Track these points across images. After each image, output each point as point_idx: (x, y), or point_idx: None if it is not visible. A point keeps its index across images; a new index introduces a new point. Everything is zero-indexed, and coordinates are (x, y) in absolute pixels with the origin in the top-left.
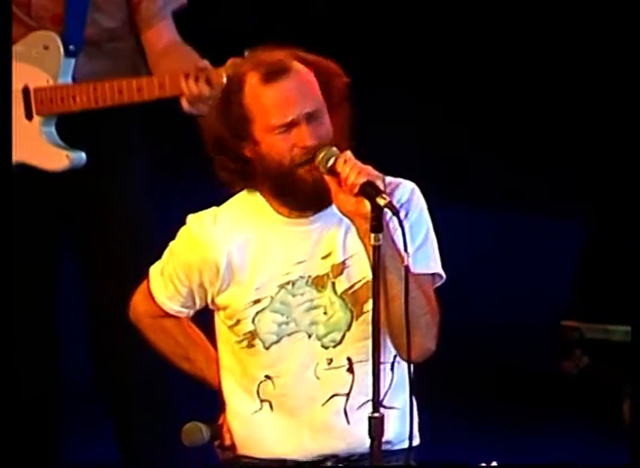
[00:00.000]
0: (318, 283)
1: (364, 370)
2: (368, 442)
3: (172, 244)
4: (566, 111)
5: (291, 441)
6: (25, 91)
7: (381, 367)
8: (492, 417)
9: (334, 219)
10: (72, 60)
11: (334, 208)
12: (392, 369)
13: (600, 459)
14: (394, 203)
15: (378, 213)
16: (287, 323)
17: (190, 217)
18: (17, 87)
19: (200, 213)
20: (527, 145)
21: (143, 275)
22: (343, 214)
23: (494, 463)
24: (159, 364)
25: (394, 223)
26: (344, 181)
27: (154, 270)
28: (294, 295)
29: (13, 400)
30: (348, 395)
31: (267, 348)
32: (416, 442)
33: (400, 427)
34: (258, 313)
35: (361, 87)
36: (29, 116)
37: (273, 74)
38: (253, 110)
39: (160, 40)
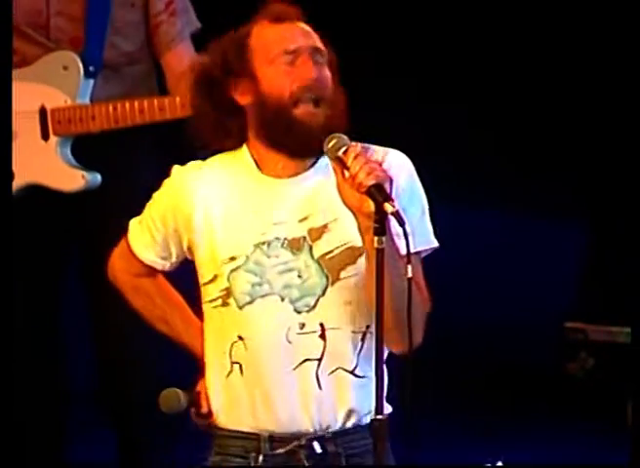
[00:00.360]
0: (293, 245)
1: (336, 338)
2: (340, 411)
3: (154, 194)
4: (567, 111)
5: (262, 407)
6: (42, 111)
7: (353, 335)
8: (496, 419)
9: (316, 183)
10: (91, 81)
11: (315, 171)
12: (363, 339)
13: (605, 461)
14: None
15: (382, 216)
16: (260, 284)
17: (175, 167)
18: (33, 107)
19: (187, 164)
20: (528, 146)
21: None
22: (345, 205)
23: (499, 463)
24: (162, 376)
25: (394, 222)
26: (352, 178)
27: (133, 221)
28: (268, 256)
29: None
30: (320, 360)
31: (241, 308)
32: (387, 411)
33: (370, 398)
34: (232, 271)
35: (361, 87)
36: (45, 136)
37: (282, 18)
38: (256, 46)
39: (180, 63)
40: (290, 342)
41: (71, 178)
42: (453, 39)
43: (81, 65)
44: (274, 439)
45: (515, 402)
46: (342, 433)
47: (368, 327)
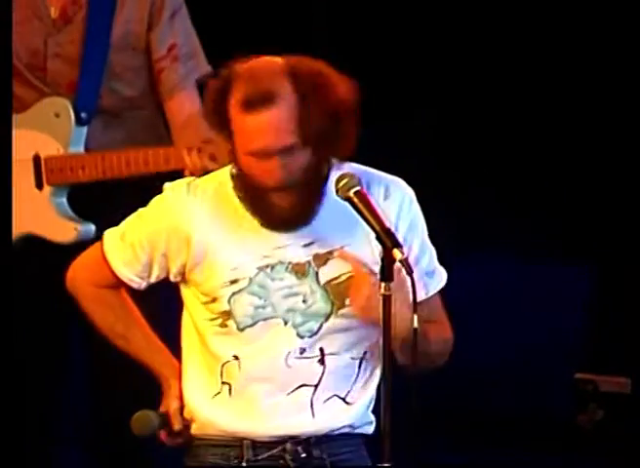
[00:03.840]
0: (298, 270)
1: (335, 364)
2: (330, 427)
3: (141, 210)
4: (573, 158)
5: (249, 424)
6: (36, 159)
7: (352, 361)
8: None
9: (319, 213)
10: (84, 129)
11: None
12: (360, 365)
13: None
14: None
15: (389, 262)
16: (264, 307)
17: (167, 185)
18: (27, 155)
19: (180, 180)
20: (536, 191)
21: None
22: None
23: None
24: None
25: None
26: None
27: (111, 235)
28: (272, 280)
29: None
30: (316, 387)
31: (241, 330)
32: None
33: (363, 415)
34: (234, 294)
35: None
36: (39, 185)
37: (256, 102)
38: (233, 127)
39: (181, 111)
40: (289, 367)
41: (64, 230)
42: (454, 87)
43: (72, 113)
44: (257, 445)
45: (524, 453)
46: (327, 439)
47: (365, 353)
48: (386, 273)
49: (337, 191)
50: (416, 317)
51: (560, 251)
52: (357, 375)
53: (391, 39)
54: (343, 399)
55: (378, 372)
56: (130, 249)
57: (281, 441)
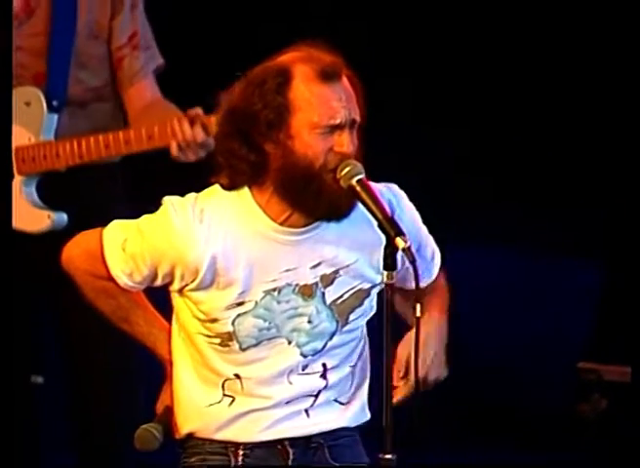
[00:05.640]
0: (305, 292)
1: (336, 376)
2: (326, 425)
3: (142, 223)
4: (583, 152)
5: (244, 431)
6: None
7: (350, 369)
8: (508, 461)
9: (325, 231)
10: (55, 116)
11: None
12: (354, 370)
13: None
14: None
15: (392, 251)
16: (268, 328)
17: (170, 203)
18: None
19: (182, 200)
20: (543, 184)
21: (126, 344)
22: None
23: None
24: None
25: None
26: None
27: (112, 240)
28: (279, 302)
29: None
30: (316, 396)
31: (244, 350)
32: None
33: (358, 414)
34: (239, 315)
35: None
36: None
37: (330, 74)
38: (298, 103)
39: (142, 97)
40: (290, 383)
41: (37, 219)
42: (458, 76)
43: (44, 100)
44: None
45: (527, 443)
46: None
47: (360, 356)
48: (390, 262)
49: (339, 179)
50: (418, 306)
51: (566, 243)
52: (352, 379)
53: (389, 39)
54: (340, 401)
55: (368, 372)
56: (131, 261)
57: (277, 441)
